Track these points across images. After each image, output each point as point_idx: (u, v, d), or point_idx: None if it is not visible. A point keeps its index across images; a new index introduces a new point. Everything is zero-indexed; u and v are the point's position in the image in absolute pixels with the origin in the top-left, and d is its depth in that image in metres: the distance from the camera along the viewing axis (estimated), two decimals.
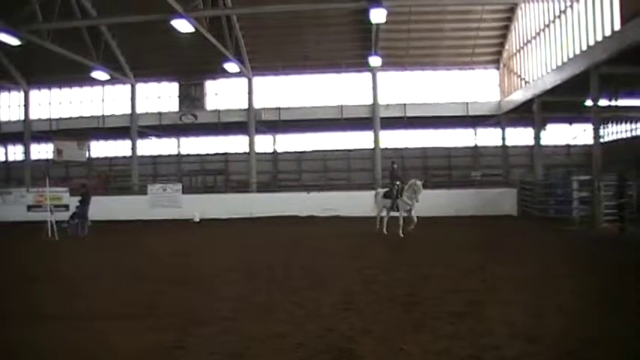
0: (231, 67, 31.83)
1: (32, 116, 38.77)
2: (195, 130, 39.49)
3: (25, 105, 38.73)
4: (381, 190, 20.10)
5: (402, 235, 17.60)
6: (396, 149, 38.66)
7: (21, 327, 7.35)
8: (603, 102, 23.82)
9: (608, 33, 20.03)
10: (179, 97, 38.19)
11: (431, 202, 24.03)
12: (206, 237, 20.63)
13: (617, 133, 35.20)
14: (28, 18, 25.26)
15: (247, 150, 36.96)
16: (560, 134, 37.10)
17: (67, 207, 25.96)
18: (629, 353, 5.93)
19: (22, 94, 38.72)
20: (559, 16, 25.05)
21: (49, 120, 38.65)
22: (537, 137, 27.95)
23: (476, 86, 35.80)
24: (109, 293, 9.65)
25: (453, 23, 32.49)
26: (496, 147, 36.57)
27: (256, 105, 36.46)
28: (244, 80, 36.26)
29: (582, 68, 21.47)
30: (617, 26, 19.23)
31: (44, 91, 39.37)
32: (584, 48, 22.12)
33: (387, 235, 18.26)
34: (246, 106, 36.48)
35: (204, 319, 7.52)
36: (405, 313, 7.73)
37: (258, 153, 37.41)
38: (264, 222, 26.40)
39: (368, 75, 35.90)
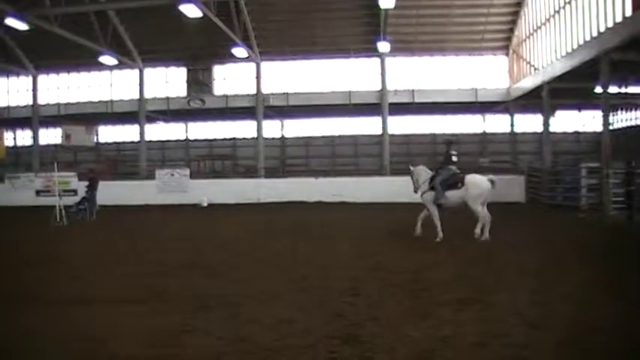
0: (239, 51, 31.75)
1: (40, 101, 38.89)
2: (203, 115, 39.56)
3: (33, 90, 38.83)
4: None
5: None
6: (404, 135, 38.63)
7: (27, 310, 7.41)
8: (613, 89, 23.69)
9: (619, 19, 19.86)
10: (187, 82, 38.21)
11: None
12: (213, 222, 20.70)
13: (626, 120, 34.91)
14: (36, 2, 25.27)
15: (255, 135, 36.96)
16: (569, 121, 36.89)
17: (75, 192, 26.07)
18: (633, 341, 5.92)
19: (30, 78, 38.81)
20: (569, 2, 24.87)
21: (57, 105, 38.74)
22: (546, 124, 27.81)
23: (485, 72, 35.60)
24: (114, 277, 9.71)
25: (462, 9, 32.32)
26: (504, 134, 36.49)
27: (264, 90, 36.40)
28: (252, 65, 36.18)
29: (592, 55, 21.31)
30: (629, 12, 19.07)
31: (52, 76, 39.50)
32: (595, 34, 21.96)
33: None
34: (254, 91, 36.41)
35: (211, 304, 7.54)
36: (411, 299, 7.73)
37: (265, 138, 37.41)
38: (271, 207, 26.42)
39: (376, 60, 35.73)
